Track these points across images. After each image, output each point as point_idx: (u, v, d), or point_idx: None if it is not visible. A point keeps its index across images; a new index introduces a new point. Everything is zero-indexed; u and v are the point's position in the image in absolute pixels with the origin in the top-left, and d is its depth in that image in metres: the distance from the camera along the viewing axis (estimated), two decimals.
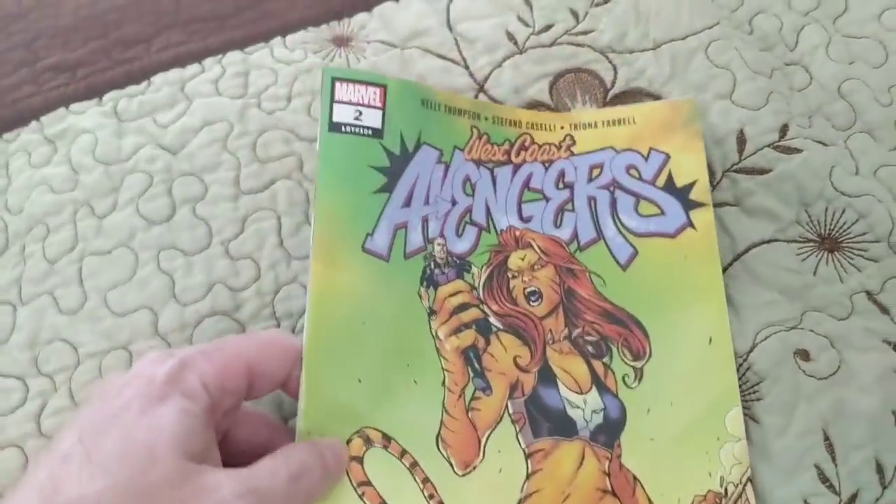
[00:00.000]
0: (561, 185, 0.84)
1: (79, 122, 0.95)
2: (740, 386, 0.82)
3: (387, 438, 0.69)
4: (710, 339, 0.79)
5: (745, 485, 0.75)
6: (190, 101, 0.96)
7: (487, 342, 0.76)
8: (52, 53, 1.00)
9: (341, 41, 1.01)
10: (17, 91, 0.98)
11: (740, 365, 0.83)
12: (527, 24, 1.02)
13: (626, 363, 0.78)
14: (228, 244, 0.88)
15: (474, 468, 0.71)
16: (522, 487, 0.72)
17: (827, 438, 0.79)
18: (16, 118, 0.97)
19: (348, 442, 0.67)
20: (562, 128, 0.87)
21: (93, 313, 0.86)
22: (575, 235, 0.82)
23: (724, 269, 0.88)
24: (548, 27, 1.01)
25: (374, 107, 0.79)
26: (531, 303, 0.79)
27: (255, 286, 0.85)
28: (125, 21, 1.03)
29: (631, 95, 0.96)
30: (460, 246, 0.79)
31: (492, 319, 0.77)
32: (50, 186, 0.91)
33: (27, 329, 0.85)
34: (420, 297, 0.76)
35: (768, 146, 0.94)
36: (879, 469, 0.77)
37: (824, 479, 0.77)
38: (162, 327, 0.85)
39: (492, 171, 0.84)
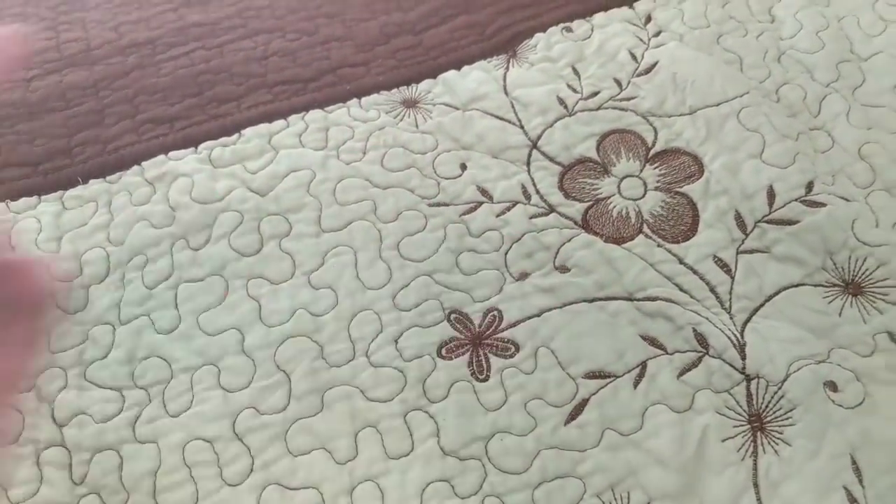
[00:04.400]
0: None
1: (177, 167, 1.06)
2: (774, 411, 0.87)
3: None
4: None
5: None
6: (276, 151, 1.07)
7: None
8: (152, 108, 1.12)
9: (410, 103, 1.12)
10: (119, 140, 1.09)
11: (774, 393, 0.88)
12: (575, 91, 1.12)
13: None
14: (310, 275, 0.96)
15: None
16: None
17: (854, 463, 0.85)
18: (118, 163, 1.08)
19: None
20: None
21: (186, 333, 0.94)
22: None
23: (757, 309, 0.94)
24: (594, 94, 1.12)
25: None
26: None
27: (334, 312, 0.93)
28: (217, 82, 1.14)
29: (670, 154, 1.06)
30: None
31: None
32: (150, 222, 1.01)
33: (125, 346, 0.93)
34: None
35: (796, 200, 1.02)
36: None
37: (852, 499, 0.83)
38: (248, 346, 0.93)
39: None
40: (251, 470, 0.86)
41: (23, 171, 1.05)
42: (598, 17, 1.23)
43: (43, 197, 1.05)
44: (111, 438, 0.88)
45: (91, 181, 1.06)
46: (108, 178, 1.05)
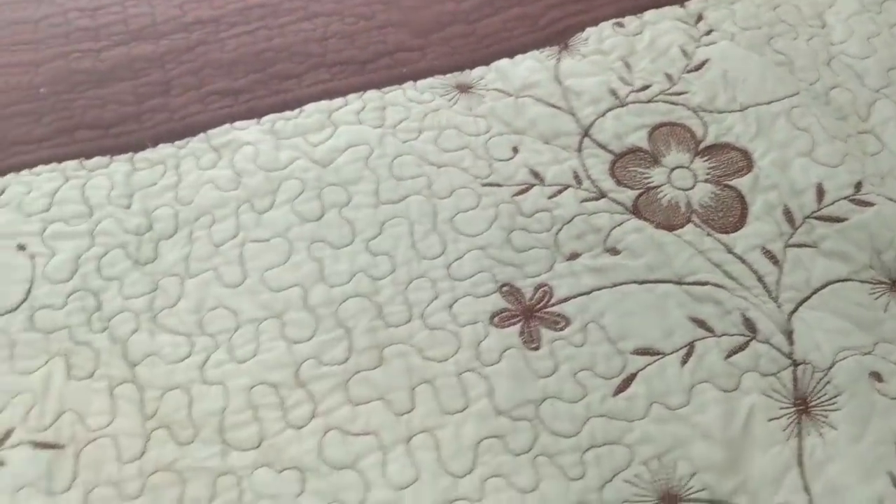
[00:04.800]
0: None
1: (241, 136, 1.13)
2: (820, 396, 0.92)
3: None
4: None
5: None
6: (336, 126, 1.14)
7: None
8: (217, 81, 1.19)
9: (464, 88, 1.19)
10: (185, 109, 1.16)
11: (820, 379, 0.93)
12: (627, 83, 1.19)
13: None
14: (369, 242, 1.04)
15: None
16: None
17: None
18: (185, 130, 1.15)
19: None
20: None
21: (252, 288, 1.00)
22: None
23: (803, 301, 0.99)
24: (645, 87, 1.19)
25: None
26: None
27: (391, 277, 1.00)
28: (279, 60, 1.22)
29: (720, 148, 1.13)
30: None
31: None
32: (216, 185, 1.08)
33: (193, 297, 1.00)
34: None
35: (844, 199, 1.07)
36: None
37: None
38: (311, 301, 0.99)
39: None
40: (313, 415, 0.91)
41: (95, 133, 1.13)
42: (650, 14, 1.29)
43: (114, 157, 1.12)
44: (181, 378, 0.94)
45: (160, 145, 1.13)
46: (176, 143, 1.12)
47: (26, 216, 1.07)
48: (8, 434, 0.90)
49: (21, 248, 1.04)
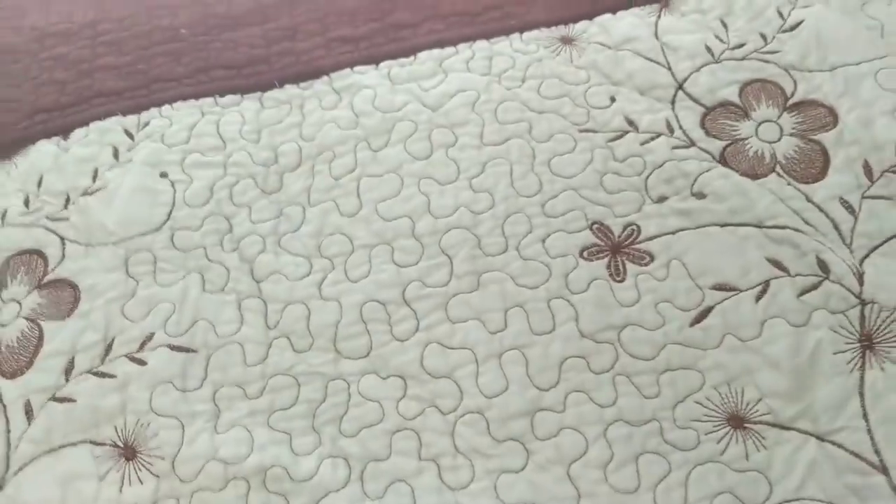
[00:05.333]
0: None
1: (361, 80, 1.26)
2: (884, 334, 1.01)
3: None
4: None
5: None
6: (446, 73, 1.26)
7: None
8: (339, 28, 1.31)
9: (567, 40, 1.30)
10: (310, 53, 1.30)
11: (886, 318, 1.02)
12: (722, 41, 1.28)
13: None
14: (472, 180, 1.16)
15: None
16: None
17: None
18: (310, 73, 1.28)
19: None
20: None
21: (366, 217, 1.13)
22: None
23: (876, 248, 1.07)
24: (740, 45, 1.27)
25: None
26: None
27: (491, 212, 1.13)
28: (396, 10, 1.34)
29: (808, 105, 1.22)
30: None
31: None
32: (337, 124, 1.22)
33: (314, 224, 1.14)
34: None
35: None
36: None
37: None
38: (418, 231, 1.12)
39: None
40: (416, 329, 1.04)
41: (228, 72, 1.27)
42: None
43: (245, 96, 1.27)
44: (301, 294, 1.08)
45: (286, 86, 1.27)
46: (301, 84, 1.27)
47: (168, 147, 1.22)
48: (149, 338, 1.06)
49: (164, 175, 1.19)
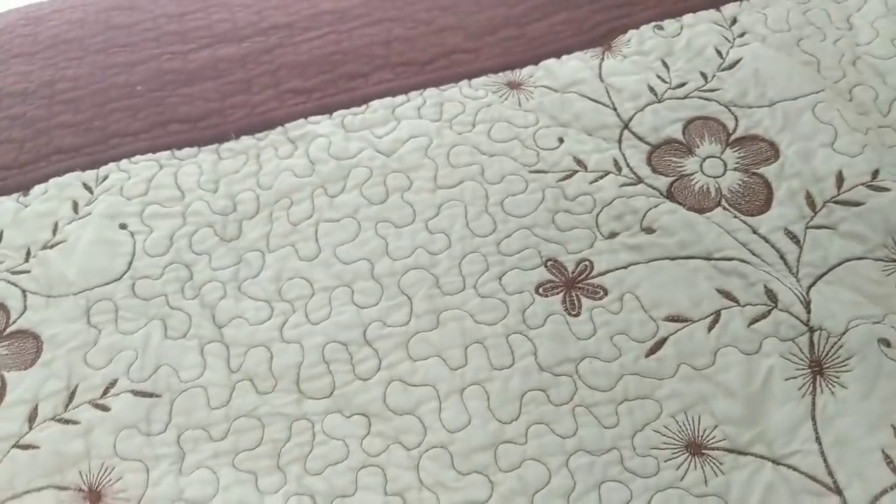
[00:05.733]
0: None
1: (315, 129, 1.30)
2: (833, 359, 1.05)
3: None
4: None
5: None
6: (398, 121, 1.30)
7: None
8: (292, 80, 1.36)
9: (514, 85, 1.34)
10: (264, 105, 1.33)
11: (834, 344, 1.06)
12: (664, 81, 1.33)
13: None
14: (428, 222, 1.20)
15: None
16: None
17: None
18: (265, 124, 1.32)
19: None
20: None
21: (325, 261, 1.16)
22: None
23: (821, 276, 1.12)
24: (682, 84, 1.32)
25: None
26: None
27: (447, 252, 1.16)
28: (347, 62, 1.38)
29: (749, 140, 1.28)
30: None
31: None
32: (293, 172, 1.25)
33: (274, 268, 1.16)
34: None
35: (862, 184, 1.19)
36: None
37: None
38: (377, 272, 1.15)
39: None
40: (378, 368, 1.07)
41: (184, 126, 1.30)
42: (687, 18, 1.41)
43: (202, 148, 1.30)
44: (262, 337, 1.10)
45: (242, 137, 1.30)
46: (257, 135, 1.30)
47: (127, 199, 1.23)
48: (112, 384, 1.08)
49: (123, 226, 1.21)
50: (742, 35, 1.38)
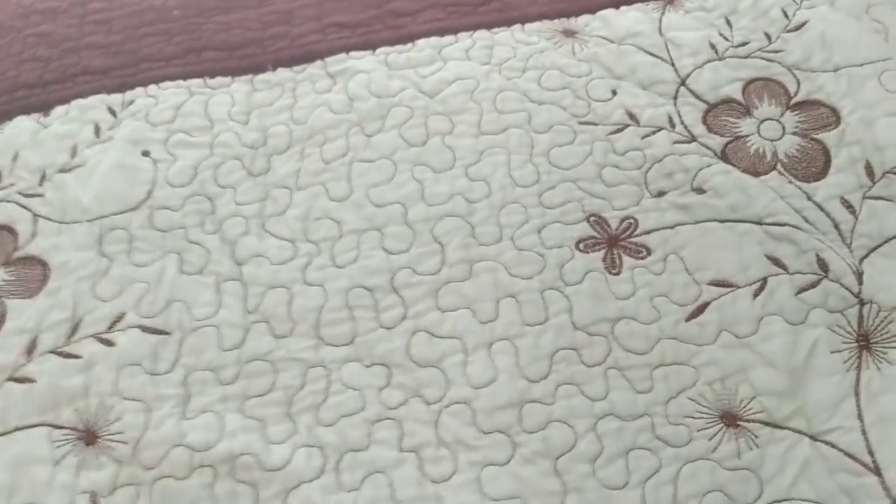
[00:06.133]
0: None
1: (357, 65, 1.26)
2: (882, 334, 1.01)
3: None
4: None
5: None
6: (445, 61, 1.26)
7: None
8: (336, 14, 1.32)
9: (569, 33, 1.30)
10: (305, 38, 1.30)
11: (884, 318, 1.02)
12: (726, 39, 1.28)
13: None
14: (468, 168, 1.15)
15: None
16: None
17: None
18: (304, 57, 1.28)
19: None
20: None
21: (357, 202, 1.12)
22: None
23: (876, 248, 1.07)
24: (744, 43, 1.27)
25: None
26: None
27: (486, 201, 1.12)
28: None
29: (810, 104, 1.22)
30: None
31: None
32: (329, 108, 1.21)
33: (301, 207, 1.12)
34: None
35: None
36: None
37: None
38: (410, 218, 1.11)
39: None
40: (404, 317, 1.03)
41: (220, 54, 1.27)
42: None
43: (236, 78, 1.26)
44: (283, 278, 1.06)
45: (279, 69, 1.26)
46: (295, 68, 1.26)
47: (152, 125, 1.20)
48: (120, 318, 1.04)
49: (146, 153, 1.18)
50: None
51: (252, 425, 0.96)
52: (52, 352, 1.02)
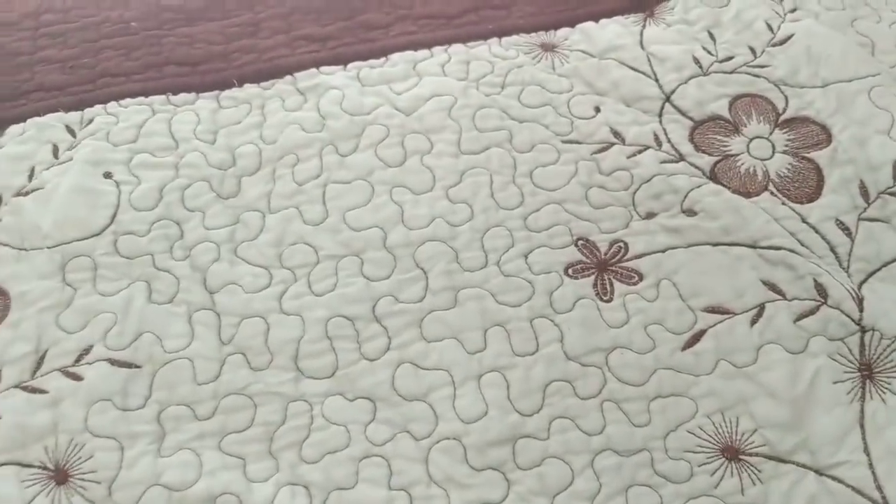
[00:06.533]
0: None
1: (328, 80, 1.20)
2: (885, 363, 0.99)
3: None
4: None
5: None
6: (420, 77, 1.21)
7: None
8: (305, 26, 1.26)
9: (548, 47, 1.26)
10: (273, 51, 1.24)
11: (887, 346, 1.00)
12: (710, 53, 1.26)
13: None
14: (448, 189, 1.11)
15: None
16: None
17: None
18: (272, 72, 1.22)
19: None
20: None
21: (333, 226, 1.07)
22: None
23: (874, 272, 1.05)
24: (729, 58, 1.25)
25: None
26: None
27: (469, 224, 1.07)
28: (368, 9, 1.29)
29: (799, 122, 1.19)
30: None
31: None
32: (301, 126, 1.16)
33: (274, 232, 1.07)
34: None
35: None
36: None
37: None
38: (390, 242, 1.06)
39: None
40: (388, 348, 0.99)
41: (182, 69, 1.21)
42: None
43: (201, 94, 1.20)
44: (258, 307, 1.01)
45: (246, 85, 1.21)
46: (262, 84, 1.21)
47: (114, 146, 1.14)
48: (87, 350, 0.98)
49: (108, 175, 1.12)
50: (793, 10, 1.31)
51: (232, 463, 0.92)
52: (17, 386, 0.97)
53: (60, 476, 0.91)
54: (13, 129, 1.17)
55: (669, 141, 1.15)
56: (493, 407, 0.95)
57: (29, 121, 1.17)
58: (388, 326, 0.99)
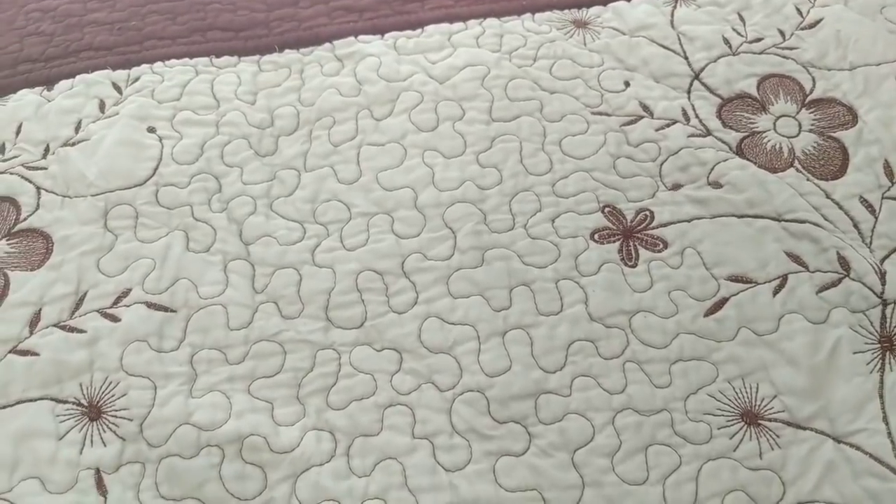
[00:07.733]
0: None
1: (365, 48, 1.19)
2: None
3: None
4: None
5: None
6: (455, 47, 1.20)
7: None
8: None
9: (580, 24, 1.24)
10: (312, 20, 1.23)
11: None
12: (740, 34, 1.23)
13: None
14: (479, 155, 1.09)
15: None
16: None
17: None
18: (311, 40, 1.22)
19: None
20: None
21: (366, 186, 1.06)
22: None
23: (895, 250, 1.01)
24: (758, 39, 1.22)
25: None
26: None
27: (498, 188, 1.05)
28: None
29: (826, 103, 1.16)
30: None
31: None
32: (338, 90, 1.15)
33: (309, 189, 1.06)
34: None
35: None
36: None
37: None
38: (420, 202, 1.05)
39: None
40: (415, 302, 0.97)
41: (225, 34, 1.20)
42: None
43: (242, 58, 1.19)
44: (292, 259, 1.00)
45: (286, 51, 1.20)
46: (302, 50, 1.20)
47: (158, 102, 1.14)
48: (125, 293, 0.98)
49: (151, 130, 1.11)
50: None
51: (260, 406, 0.91)
52: (56, 325, 0.96)
53: (94, 412, 0.91)
54: (62, 84, 1.17)
55: (697, 116, 1.13)
56: (517, 363, 0.93)
57: (78, 77, 1.17)
58: (416, 282, 0.98)
